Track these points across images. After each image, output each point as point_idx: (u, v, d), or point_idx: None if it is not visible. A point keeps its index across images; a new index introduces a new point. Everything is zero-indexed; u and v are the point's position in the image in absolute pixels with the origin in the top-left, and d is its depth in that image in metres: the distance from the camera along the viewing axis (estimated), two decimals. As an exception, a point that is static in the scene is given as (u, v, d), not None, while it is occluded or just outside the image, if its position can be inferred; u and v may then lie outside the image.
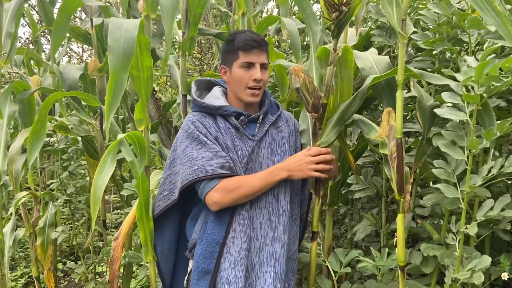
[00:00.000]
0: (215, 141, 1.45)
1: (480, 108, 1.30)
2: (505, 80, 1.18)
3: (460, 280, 1.32)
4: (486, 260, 1.32)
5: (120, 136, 1.46)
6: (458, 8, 1.67)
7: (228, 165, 1.42)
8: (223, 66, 1.53)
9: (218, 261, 1.42)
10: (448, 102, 1.36)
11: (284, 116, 1.62)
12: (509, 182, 1.80)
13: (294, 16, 2.72)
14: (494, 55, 1.26)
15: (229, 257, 1.41)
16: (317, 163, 1.42)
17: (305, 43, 2.86)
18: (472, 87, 1.28)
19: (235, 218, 1.43)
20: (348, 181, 2.17)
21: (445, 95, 1.34)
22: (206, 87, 1.62)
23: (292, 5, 4.24)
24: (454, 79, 1.39)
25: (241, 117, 1.48)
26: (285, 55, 3.08)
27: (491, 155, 1.36)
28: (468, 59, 1.37)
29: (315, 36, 1.67)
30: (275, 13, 4.53)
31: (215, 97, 1.53)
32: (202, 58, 5.20)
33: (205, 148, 1.43)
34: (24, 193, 2.13)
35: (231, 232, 1.42)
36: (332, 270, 1.65)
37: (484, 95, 1.26)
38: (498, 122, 1.25)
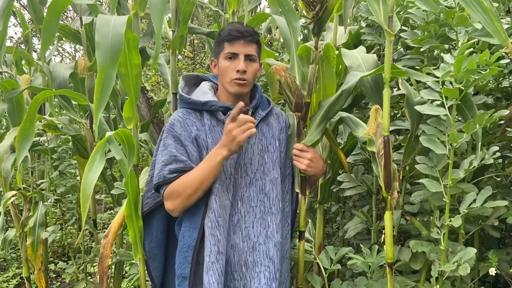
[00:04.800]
0: (189, 142, 1.42)
1: (460, 102, 1.31)
2: (483, 73, 1.19)
3: (446, 273, 1.32)
4: (471, 251, 1.32)
5: (109, 133, 1.45)
6: (446, 6, 1.68)
7: (185, 169, 1.39)
8: (213, 59, 1.53)
9: (194, 265, 1.40)
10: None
11: (275, 112, 1.60)
12: (499, 179, 1.83)
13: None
14: (471, 49, 1.27)
15: (202, 261, 1.39)
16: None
17: (297, 42, 2.86)
18: (451, 83, 1.30)
19: (206, 221, 1.39)
20: (339, 179, 2.18)
21: (423, 93, 1.36)
22: (195, 82, 1.60)
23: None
24: (435, 76, 1.41)
25: (228, 112, 1.45)
26: (277, 54, 3.08)
27: (479, 147, 1.37)
28: (445, 56, 1.38)
29: (295, 33, 1.65)
30: (267, 12, 4.52)
31: (202, 92, 1.51)
32: (195, 58, 5.20)
33: (166, 151, 1.42)
34: (13, 192, 2.11)
35: (203, 237, 1.39)
36: (323, 267, 1.65)
37: (463, 88, 1.27)
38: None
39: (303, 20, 2.54)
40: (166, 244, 1.65)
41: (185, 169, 1.39)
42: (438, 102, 1.39)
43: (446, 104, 1.32)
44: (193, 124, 1.45)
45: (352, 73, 1.52)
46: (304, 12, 1.44)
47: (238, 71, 1.42)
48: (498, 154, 1.31)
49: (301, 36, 2.96)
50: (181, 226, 1.47)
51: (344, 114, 1.64)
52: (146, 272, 1.71)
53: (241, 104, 1.33)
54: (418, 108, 1.39)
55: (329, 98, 1.56)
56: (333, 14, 1.94)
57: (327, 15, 1.43)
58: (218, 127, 1.46)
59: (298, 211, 1.66)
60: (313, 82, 1.50)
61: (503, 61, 1.26)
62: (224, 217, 1.41)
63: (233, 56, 1.44)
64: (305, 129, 1.55)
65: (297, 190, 1.60)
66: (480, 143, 1.37)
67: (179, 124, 1.44)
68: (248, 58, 1.45)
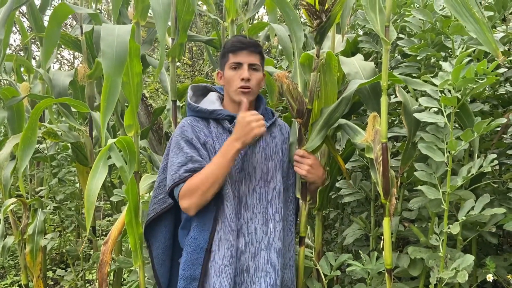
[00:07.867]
0: (200, 146, 1.46)
1: (458, 110, 1.33)
2: (481, 82, 1.21)
3: (444, 280, 1.33)
4: (469, 258, 1.33)
5: (110, 141, 1.46)
6: (442, 15, 1.71)
7: (201, 169, 1.41)
8: (219, 71, 1.59)
9: (205, 267, 1.42)
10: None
11: (279, 124, 1.65)
12: (495, 185, 1.84)
13: (284, 23, 2.75)
14: (469, 58, 1.29)
15: (214, 264, 1.41)
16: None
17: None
18: (449, 91, 1.32)
19: (220, 226, 1.42)
20: (337, 185, 2.19)
21: (422, 100, 1.38)
22: (203, 93, 1.65)
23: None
24: (433, 83, 1.42)
25: (234, 121, 1.48)
26: (275, 61, 3.10)
27: (476, 154, 1.39)
28: (444, 64, 1.40)
29: (299, 42, 1.69)
30: (265, 20, 4.56)
31: (210, 102, 1.56)
32: (194, 65, 5.22)
33: (181, 153, 1.44)
34: (13, 200, 2.11)
35: (216, 240, 1.42)
36: (323, 273, 1.66)
37: (461, 97, 1.29)
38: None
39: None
40: (173, 249, 1.66)
41: (200, 168, 1.42)
42: (436, 110, 1.41)
43: (445, 111, 1.34)
44: (201, 130, 1.49)
45: (353, 80, 1.54)
46: (306, 21, 1.46)
47: (242, 79, 1.48)
48: (495, 162, 1.32)
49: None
50: (191, 229, 1.48)
51: (342, 121, 1.65)
52: (145, 279, 1.72)
53: (246, 101, 1.43)
54: (417, 115, 1.40)
55: (330, 105, 1.58)
56: (331, 23, 1.96)
57: (329, 24, 1.45)
58: (224, 135, 1.50)
59: (298, 219, 1.67)
60: (315, 89, 1.52)
61: (500, 70, 1.28)
62: (235, 222, 1.44)
63: (237, 66, 1.50)
64: (306, 136, 1.57)
65: (298, 196, 1.61)
66: (477, 150, 1.39)
67: (190, 129, 1.48)
68: (252, 67, 1.50)
